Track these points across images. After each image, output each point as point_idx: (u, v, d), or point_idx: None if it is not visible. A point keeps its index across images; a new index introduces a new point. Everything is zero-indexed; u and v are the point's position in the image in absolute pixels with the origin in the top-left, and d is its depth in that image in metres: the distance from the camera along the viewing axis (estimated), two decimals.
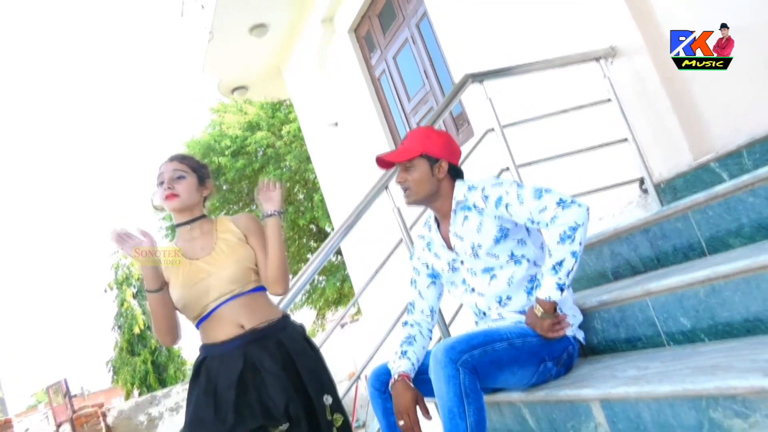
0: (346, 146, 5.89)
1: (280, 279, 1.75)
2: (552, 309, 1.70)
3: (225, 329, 1.69)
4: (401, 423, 1.72)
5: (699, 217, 1.92)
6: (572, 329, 1.79)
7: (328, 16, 5.48)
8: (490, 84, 2.66)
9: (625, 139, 2.70)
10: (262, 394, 1.63)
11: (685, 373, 1.34)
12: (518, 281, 1.80)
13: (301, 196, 15.75)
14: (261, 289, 1.78)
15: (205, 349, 1.72)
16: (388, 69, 5.07)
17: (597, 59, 2.78)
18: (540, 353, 1.70)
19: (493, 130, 2.62)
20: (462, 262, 1.89)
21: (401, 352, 1.88)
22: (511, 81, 2.72)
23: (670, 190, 2.62)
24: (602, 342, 1.89)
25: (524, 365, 1.68)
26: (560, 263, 1.64)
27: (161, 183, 1.78)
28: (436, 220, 1.98)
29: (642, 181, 2.71)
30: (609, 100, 2.72)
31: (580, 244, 1.62)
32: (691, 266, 1.76)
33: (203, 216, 1.82)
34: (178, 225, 1.81)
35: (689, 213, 1.95)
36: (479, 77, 2.64)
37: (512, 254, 1.80)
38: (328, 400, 1.72)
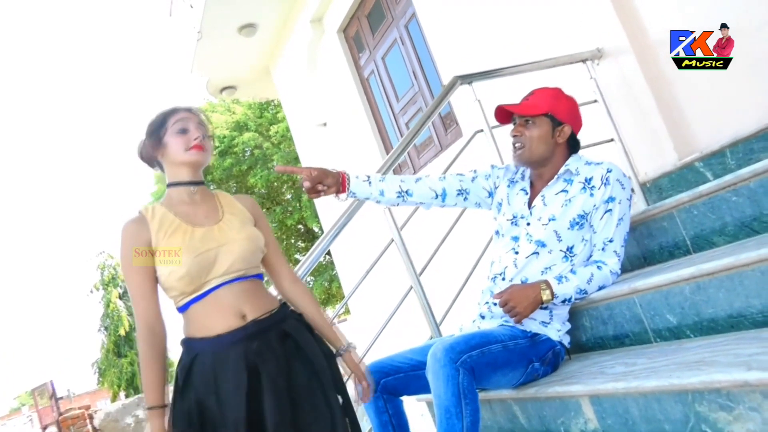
0: (334, 146, 5.90)
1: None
2: (547, 302, 1.74)
3: (224, 318, 1.43)
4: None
5: (684, 216, 1.96)
6: (559, 334, 1.82)
7: (317, 17, 5.49)
8: (478, 85, 2.69)
9: (612, 140, 2.75)
10: (265, 409, 1.37)
11: (671, 368, 1.37)
12: (550, 275, 1.81)
13: (288, 196, 15.74)
14: (261, 276, 1.59)
15: (194, 344, 1.42)
16: (376, 69, 5.09)
17: (584, 61, 2.82)
18: (528, 354, 1.73)
19: (482, 131, 2.65)
20: (528, 224, 1.88)
21: (381, 178, 2.00)
22: (500, 82, 2.75)
23: (655, 189, 2.66)
24: (591, 339, 1.93)
25: (515, 367, 1.71)
26: (585, 291, 1.78)
27: (183, 131, 1.53)
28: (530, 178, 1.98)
29: (629, 180, 2.74)
30: (595, 101, 2.76)
31: (593, 291, 1.81)
32: (677, 264, 1.79)
33: (203, 182, 1.61)
34: (180, 184, 1.55)
35: (674, 212, 1.99)
36: (468, 78, 2.66)
37: (571, 248, 1.82)
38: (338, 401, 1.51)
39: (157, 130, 1.54)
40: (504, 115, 1.99)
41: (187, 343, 1.45)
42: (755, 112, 2.31)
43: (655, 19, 2.69)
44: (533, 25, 3.26)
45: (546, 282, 1.76)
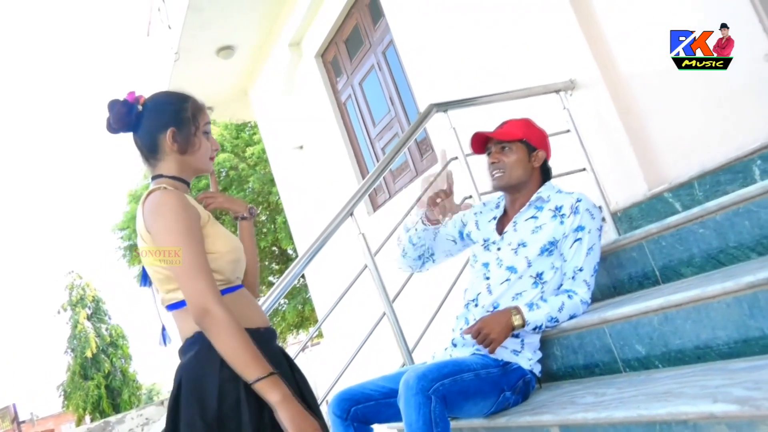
0: (311, 169, 5.90)
1: (257, 285, 1.59)
2: (518, 327, 1.75)
3: (260, 314, 1.38)
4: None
5: (653, 247, 1.99)
6: (530, 363, 1.83)
7: (295, 41, 5.52)
8: (454, 113, 2.72)
9: (584, 169, 2.79)
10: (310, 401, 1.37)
11: (639, 399, 1.38)
12: (521, 302, 1.83)
13: (263, 218, 15.64)
14: None
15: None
16: (354, 94, 5.12)
17: (557, 91, 2.87)
18: (500, 383, 1.73)
19: (456, 158, 2.67)
20: (499, 249, 1.93)
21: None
22: (475, 111, 2.79)
23: (626, 218, 2.70)
24: (561, 368, 1.93)
25: (487, 396, 1.71)
26: (556, 320, 1.80)
27: (208, 133, 1.43)
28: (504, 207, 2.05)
29: (600, 210, 2.79)
30: (568, 130, 2.81)
31: (564, 320, 1.82)
32: (646, 295, 1.82)
33: None
34: (184, 181, 1.40)
35: (644, 243, 2.02)
36: (444, 107, 2.69)
37: (540, 275, 1.85)
38: None
39: (191, 121, 1.39)
40: (479, 144, 2.05)
41: None
42: (722, 145, 2.37)
43: (626, 52, 2.76)
44: (508, 55, 3.32)
45: (516, 308, 1.77)
